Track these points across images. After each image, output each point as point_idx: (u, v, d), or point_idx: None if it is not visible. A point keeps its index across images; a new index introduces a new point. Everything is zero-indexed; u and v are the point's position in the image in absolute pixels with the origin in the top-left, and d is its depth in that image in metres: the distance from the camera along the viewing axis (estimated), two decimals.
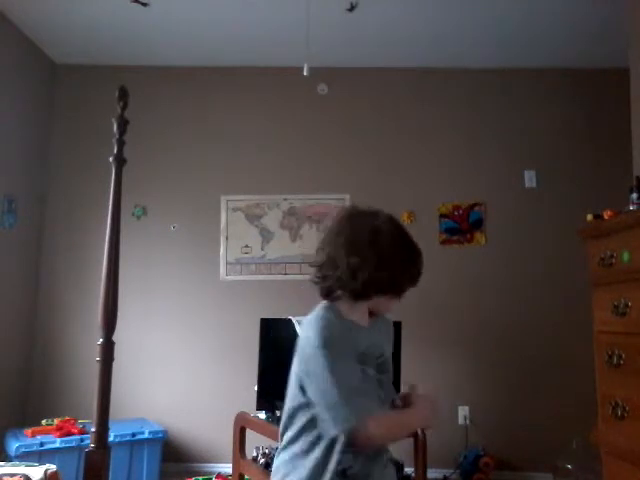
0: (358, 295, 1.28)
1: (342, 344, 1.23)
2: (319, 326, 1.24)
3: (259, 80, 4.10)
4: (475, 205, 3.97)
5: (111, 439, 2.83)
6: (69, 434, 3.14)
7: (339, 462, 1.21)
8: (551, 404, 3.72)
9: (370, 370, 1.29)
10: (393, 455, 1.37)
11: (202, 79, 4.11)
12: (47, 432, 3.16)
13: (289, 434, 1.29)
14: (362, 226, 1.30)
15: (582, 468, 3.28)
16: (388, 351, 1.36)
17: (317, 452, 1.23)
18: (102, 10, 3.39)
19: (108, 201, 2.26)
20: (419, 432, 2.74)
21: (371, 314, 1.36)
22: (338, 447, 1.21)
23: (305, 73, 3.06)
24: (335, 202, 3.92)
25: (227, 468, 3.35)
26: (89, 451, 2.10)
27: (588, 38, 3.65)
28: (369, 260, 1.25)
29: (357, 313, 1.31)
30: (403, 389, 1.29)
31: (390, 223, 1.32)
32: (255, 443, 3.07)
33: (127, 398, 3.66)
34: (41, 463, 2.30)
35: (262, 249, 3.96)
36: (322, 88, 4.08)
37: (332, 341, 1.21)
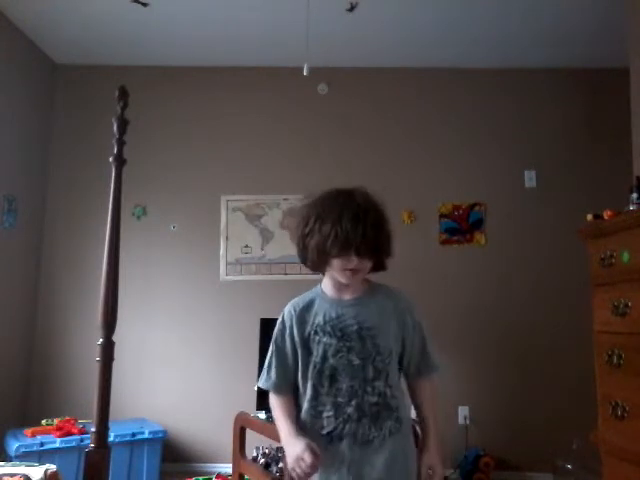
0: (312, 268, 1.50)
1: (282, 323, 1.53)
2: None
3: (259, 80, 4.10)
4: (475, 205, 3.97)
5: (111, 439, 2.84)
6: (69, 434, 3.13)
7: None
8: (551, 404, 3.72)
9: (325, 338, 1.46)
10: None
11: (202, 79, 4.11)
12: (47, 432, 3.15)
13: None
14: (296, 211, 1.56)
15: (582, 468, 3.28)
16: (371, 320, 1.47)
17: None
18: (102, 10, 3.39)
19: (108, 201, 2.26)
20: (418, 431, 2.74)
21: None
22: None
23: (305, 73, 3.06)
24: None
25: (227, 468, 3.35)
26: (89, 451, 2.10)
27: (588, 38, 3.65)
28: (298, 236, 1.48)
29: (327, 286, 1.54)
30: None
31: (310, 200, 1.50)
32: (255, 443, 3.07)
33: (127, 398, 3.66)
34: (41, 463, 2.30)
35: (262, 249, 3.96)
36: (322, 88, 4.08)
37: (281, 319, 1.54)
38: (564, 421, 3.64)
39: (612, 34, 3.49)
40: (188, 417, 3.77)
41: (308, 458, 1.35)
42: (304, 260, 1.50)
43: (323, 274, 1.53)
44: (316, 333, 1.47)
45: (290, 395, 1.51)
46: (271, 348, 1.54)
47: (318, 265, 1.48)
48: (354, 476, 1.42)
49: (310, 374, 1.47)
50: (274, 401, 1.53)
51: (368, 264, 1.45)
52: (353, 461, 1.42)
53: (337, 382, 1.45)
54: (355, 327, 1.45)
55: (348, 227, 1.39)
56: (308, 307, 1.52)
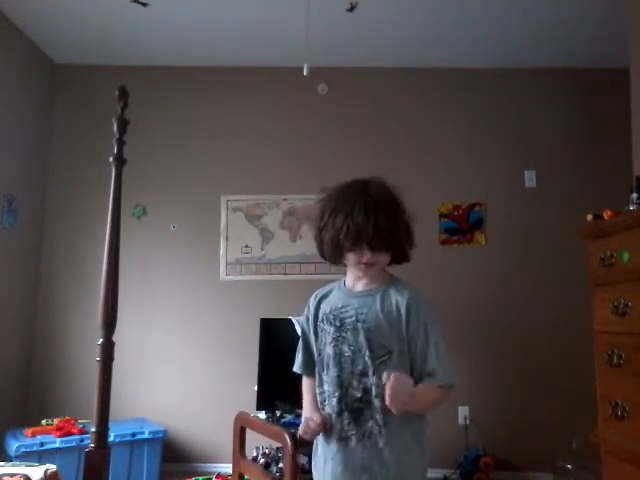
0: (330, 262, 1.51)
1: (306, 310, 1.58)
2: None
3: (259, 80, 4.10)
4: (475, 205, 3.97)
5: (111, 439, 2.84)
6: (69, 434, 3.13)
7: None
8: (551, 404, 3.72)
9: (327, 326, 1.48)
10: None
11: (202, 79, 4.11)
12: (47, 432, 3.15)
13: None
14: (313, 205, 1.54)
15: (582, 468, 3.28)
16: (369, 315, 1.44)
17: None
18: (102, 10, 3.39)
19: (108, 201, 2.26)
20: None
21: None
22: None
23: (305, 73, 3.06)
24: None
25: (227, 468, 3.35)
26: (89, 451, 2.09)
27: (588, 38, 3.65)
28: (315, 231, 1.49)
29: (348, 276, 1.54)
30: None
31: (327, 193, 1.50)
32: (255, 443, 3.07)
33: (127, 398, 3.66)
34: (41, 463, 2.30)
35: (262, 249, 3.96)
36: (322, 88, 4.08)
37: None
38: (564, 421, 3.64)
39: (612, 34, 3.49)
40: (188, 417, 3.77)
41: (317, 418, 1.41)
42: (322, 254, 1.50)
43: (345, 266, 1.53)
44: (322, 321, 1.50)
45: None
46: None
47: (335, 259, 1.48)
48: (331, 473, 1.41)
49: (317, 360, 1.51)
50: (303, 382, 1.59)
51: (383, 257, 1.44)
52: (331, 456, 1.42)
53: (329, 370, 1.45)
54: (353, 318, 1.44)
55: (359, 220, 1.37)
56: (326, 296, 1.55)
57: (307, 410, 1.51)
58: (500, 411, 3.77)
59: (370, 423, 1.39)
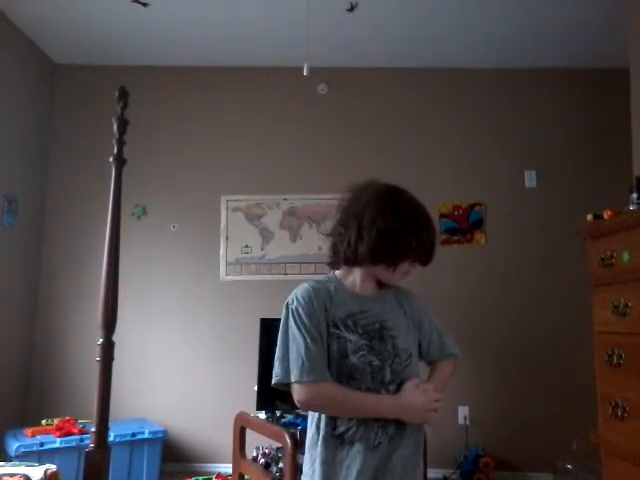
0: (346, 262, 1.42)
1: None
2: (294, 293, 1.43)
3: (259, 80, 4.10)
4: (475, 205, 3.97)
5: (111, 439, 2.84)
6: (69, 434, 3.14)
7: (330, 424, 1.34)
8: (551, 404, 3.72)
9: (347, 334, 1.35)
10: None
11: (202, 79, 4.11)
12: (47, 432, 3.16)
13: None
14: (355, 197, 1.44)
15: (582, 468, 3.28)
16: (392, 321, 1.40)
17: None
18: (102, 10, 3.39)
19: (108, 201, 2.26)
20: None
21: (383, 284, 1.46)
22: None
23: (305, 73, 3.07)
24: (335, 202, 3.90)
25: (227, 468, 3.35)
26: (89, 451, 2.10)
27: (588, 38, 3.65)
28: (380, 225, 1.35)
29: (348, 279, 1.44)
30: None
31: (380, 193, 1.42)
32: (255, 443, 3.07)
33: (127, 398, 3.66)
34: (41, 463, 2.30)
35: (262, 249, 3.96)
36: (322, 88, 4.08)
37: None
38: (564, 421, 3.63)
39: (612, 34, 3.49)
40: (188, 417, 3.77)
41: (428, 384, 1.39)
42: (371, 249, 1.35)
43: (338, 268, 1.48)
44: (336, 326, 1.35)
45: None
46: (298, 335, 1.35)
47: (379, 259, 1.37)
48: None
49: (332, 369, 1.35)
50: (333, 389, 1.33)
51: None
52: (363, 468, 1.32)
53: (355, 381, 1.34)
54: (377, 325, 1.37)
55: (433, 238, 1.42)
56: (331, 297, 1.40)
57: (396, 402, 1.35)
58: (500, 411, 3.77)
59: (392, 427, 1.35)
